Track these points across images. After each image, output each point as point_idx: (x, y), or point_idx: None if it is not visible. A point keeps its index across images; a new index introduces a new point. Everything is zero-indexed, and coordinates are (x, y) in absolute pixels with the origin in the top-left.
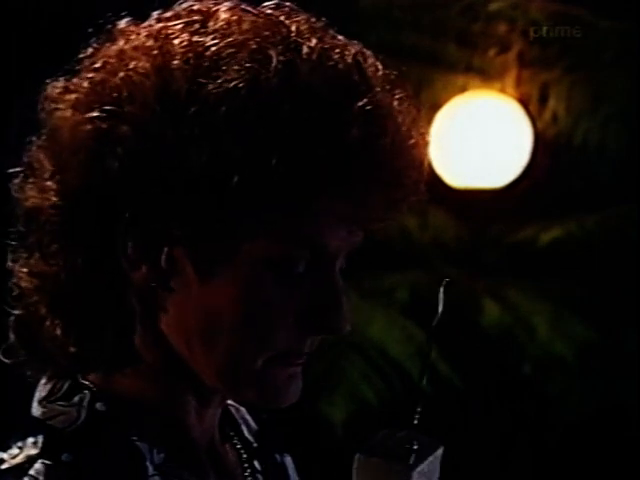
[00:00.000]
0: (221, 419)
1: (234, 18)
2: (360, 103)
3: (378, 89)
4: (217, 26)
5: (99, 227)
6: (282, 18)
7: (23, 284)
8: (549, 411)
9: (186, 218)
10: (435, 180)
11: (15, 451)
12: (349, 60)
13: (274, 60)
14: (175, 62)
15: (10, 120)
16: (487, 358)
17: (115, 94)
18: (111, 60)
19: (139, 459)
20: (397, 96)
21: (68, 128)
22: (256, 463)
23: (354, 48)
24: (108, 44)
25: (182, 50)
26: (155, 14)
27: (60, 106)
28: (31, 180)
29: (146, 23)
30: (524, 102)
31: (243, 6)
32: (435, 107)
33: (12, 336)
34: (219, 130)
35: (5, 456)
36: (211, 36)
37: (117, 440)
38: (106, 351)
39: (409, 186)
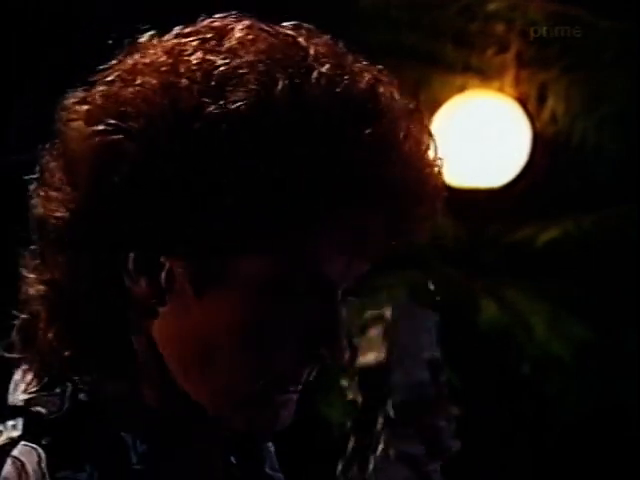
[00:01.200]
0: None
1: (249, 37)
2: (368, 129)
3: (390, 116)
4: (230, 45)
5: (101, 240)
6: (300, 40)
7: (30, 290)
8: (547, 411)
9: (185, 234)
10: None
11: None
12: (362, 86)
13: (280, 84)
14: (183, 80)
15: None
16: (485, 358)
17: (123, 108)
18: (123, 74)
19: (123, 448)
20: (412, 125)
21: (77, 140)
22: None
23: (371, 73)
24: (125, 57)
25: (192, 68)
26: (176, 29)
27: (73, 117)
28: (42, 189)
29: (165, 38)
30: (522, 102)
31: (261, 25)
32: (434, 107)
33: (15, 337)
34: (221, 149)
35: None
36: (222, 55)
37: (100, 428)
38: (99, 359)
39: (415, 220)
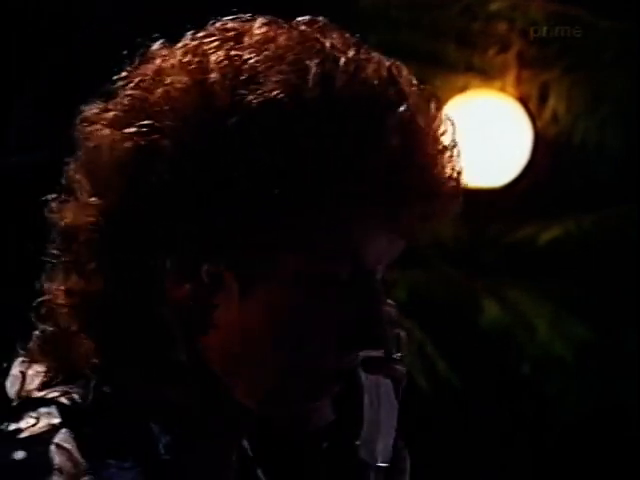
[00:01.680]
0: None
1: (270, 34)
2: (397, 114)
3: (412, 101)
4: (253, 41)
5: (139, 245)
6: (316, 34)
7: (58, 301)
8: (548, 411)
9: (228, 232)
10: None
11: (31, 420)
12: (384, 73)
13: (312, 70)
14: (213, 75)
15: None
16: (486, 358)
17: (155, 109)
18: (148, 78)
19: (152, 438)
20: (431, 108)
21: (107, 146)
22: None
23: (388, 62)
24: (143, 64)
25: (220, 64)
26: (189, 34)
27: (97, 126)
28: (69, 200)
29: (180, 43)
30: (524, 101)
31: (277, 22)
32: None
33: (35, 347)
34: (260, 141)
35: (22, 425)
36: (248, 50)
37: (129, 420)
38: (137, 368)
39: (446, 196)
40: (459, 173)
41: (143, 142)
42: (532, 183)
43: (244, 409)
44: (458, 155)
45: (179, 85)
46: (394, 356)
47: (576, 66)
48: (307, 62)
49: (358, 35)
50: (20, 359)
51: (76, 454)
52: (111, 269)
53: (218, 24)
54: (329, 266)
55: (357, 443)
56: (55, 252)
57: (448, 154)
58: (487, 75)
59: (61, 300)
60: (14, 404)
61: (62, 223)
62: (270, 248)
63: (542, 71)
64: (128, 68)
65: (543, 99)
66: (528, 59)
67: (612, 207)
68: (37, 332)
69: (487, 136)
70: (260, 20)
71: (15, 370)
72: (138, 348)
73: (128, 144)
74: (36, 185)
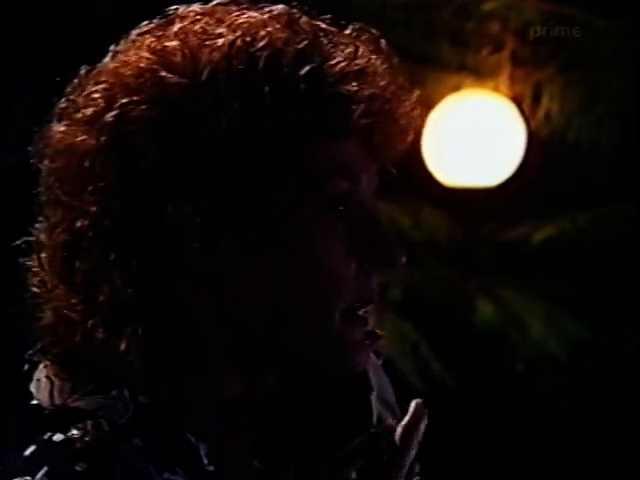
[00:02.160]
0: None
1: (201, 10)
2: (345, 38)
3: (348, 34)
4: (186, 19)
5: (152, 225)
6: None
7: (74, 315)
8: (542, 410)
9: (235, 182)
10: (428, 179)
11: (79, 432)
12: (313, 17)
13: (257, 17)
14: (170, 43)
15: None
16: (480, 357)
17: (126, 89)
18: (109, 74)
19: (194, 449)
20: (363, 42)
21: (85, 148)
22: None
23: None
24: (89, 77)
25: (169, 36)
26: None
27: (64, 138)
28: (56, 216)
29: (111, 52)
30: (517, 101)
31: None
32: (428, 106)
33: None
34: (238, 80)
35: (75, 433)
36: (186, 22)
37: (171, 431)
38: (175, 360)
39: (402, 114)
40: (412, 92)
41: (120, 126)
42: (526, 183)
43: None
44: (408, 86)
45: (141, 63)
46: (376, 331)
47: (570, 65)
48: (247, 16)
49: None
50: (44, 363)
51: (137, 467)
52: (126, 260)
53: (148, 23)
54: (334, 188)
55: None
56: (53, 281)
57: (405, 84)
58: (480, 75)
59: (78, 313)
60: (48, 412)
61: (58, 243)
62: (282, 186)
63: (535, 70)
64: (67, 91)
65: (537, 98)
66: (521, 59)
67: (606, 206)
68: (54, 355)
69: (481, 136)
70: (187, 5)
71: (40, 374)
72: (174, 337)
73: (104, 137)
74: (36, 185)
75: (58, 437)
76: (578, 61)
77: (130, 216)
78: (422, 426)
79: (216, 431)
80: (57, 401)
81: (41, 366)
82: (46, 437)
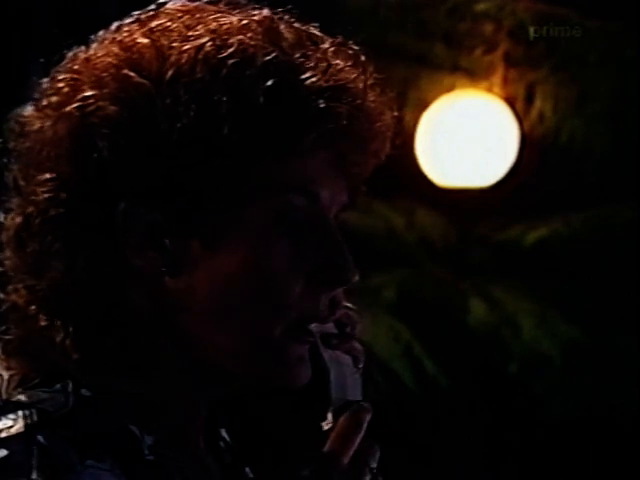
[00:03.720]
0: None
1: (184, 8)
2: (322, 53)
3: (326, 48)
4: (167, 15)
5: (98, 218)
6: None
7: (19, 301)
8: (535, 410)
9: (186, 187)
10: (422, 179)
11: (9, 422)
12: (297, 25)
13: (234, 22)
14: (141, 41)
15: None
16: (473, 357)
17: (89, 82)
18: (78, 65)
19: (134, 440)
20: (344, 56)
21: (43, 135)
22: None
23: (294, 21)
24: (65, 64)
25: (144, 33)
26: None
27: (32, 123)
28: (15, 202)
29: (92, 40)
30: (511, 101)
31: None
32: (422, 107)
33: (5, 354)
34: (200, 86)
35: (4, 423)
36: (164, 19)
37: (110, 423)
38: (112, 353)
39: (378, 132)
40: (390, 116)
41: (78, 118)
42: (519, 183)
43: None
44: (388, 100)
45: (109, 57)
46: (349, 331)
47: (563, 66)
48: (225, 19)
49: (345, 35)
50: None
51: (56, 454)
52: (75, 251)
53: (129, 17)
54: (287, 203)
55: (323, 424)
56: (9, 260)
57: (377, 98)
58: (474, 75)
59: (21, 298)
60: None
61: (12, 225)
62: (233, 195)
63: (528, 71)
64: (50, 75)
65: (530, 99)
66: (514, 59)
67: (599, 207)
68: (5, 343)
69: (474, 136)
70: (171, 1)
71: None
72: (110, 330)
73: (63, 124)
74: None
75: None
76: (571, 62)
77: (76, 209)
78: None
79: (167, 426)
80: (4, 395)
81: None
82: None
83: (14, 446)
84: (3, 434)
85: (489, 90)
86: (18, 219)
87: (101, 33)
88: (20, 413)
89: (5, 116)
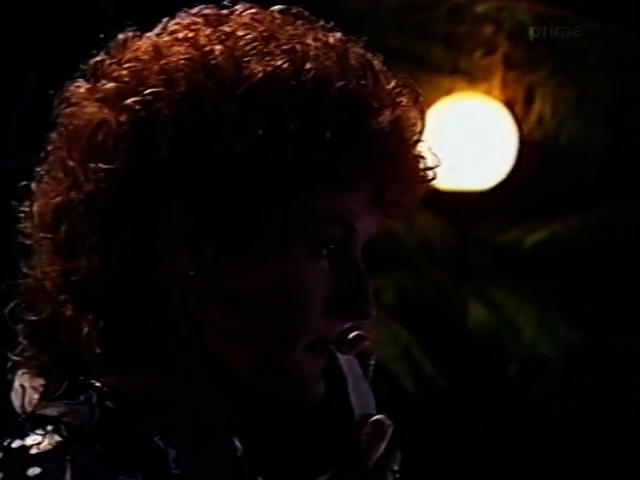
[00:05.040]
0: None
1: (257, 16)
2: (388, 91)
3: (389, 86)
4: (241, 21)
5: (143, 215)
6: (295, 18)
7: (48, 285)
8: (535, 412)
9: (234, 201)
10: None
11: (38, 438)
12: (362, 54)
13: (311, 44)
14: (216, 46)
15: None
16: (473, 360)
17: (155, 80)
18: (143, 53)
19: (160, 454)
20: (403, 94)
21: (99, 122)
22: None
23: (357, 48)
24: (128, 47)
25: (219, 39)
26: (165, 20)
27: (85, 104)
28: (57, 178)
29: (158, 29)
30: (510, 104)
31: (257, 8)
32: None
33: (24, 340)
34: (265, 111)
35: (27, 442)
36: (240, 28)
37: (136, 436)
38: (136, 351)
39: (424, 177)
40: (424, 156)
41: (143, 113)
42: (518, 186)
43: (243, 388)
44: (427, 148)
45: (181, 56)
46: (362, 333)
47: (562, 68)
48: (301, 38)
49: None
50: (21, 370)
51: (90, 471)
52: (109, 243)
53: (194, 10)
54: (325, 233)
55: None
56: (40, 235)
57: (421, 145)
58: (473, 77)
59: (50, 282)
60: (18, 420)
61: (51, 202)
62: (280, 217)
63: (528, 73)
64: (109, 51)
65: (529, 101)
66: (514, 61)
67: (599, 209)
68: (27, 323)
69: (473, 139)
70: (242, 5)
71: (16, 383)
72: (138, 327)
73: (124, 117)
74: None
75: (16, 444)
76: (570, 63)
77: (123, 205)
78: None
79: (189, 438)
80: (27, 408)
81: (19, 372)
82: (5, 444)
83: (47, 464)
84: (34, 450)
85: (488, 92)
86: (59, 198)
87: (166, 22)
88: (49, 428)
89: (5, 116)
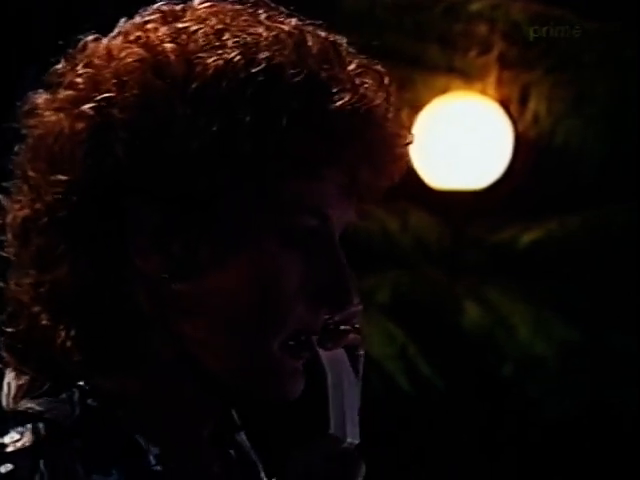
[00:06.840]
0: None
1: (211, 9)
2: (348, 74)
3: (351, 67)
4: (195, 15)
5: (107, 221)
6: (251, 7)
7: (23, 297)
8: (530, 411)
9: (198, 198)
10: (416, 181)
11: (16, 435)
12: (325, 38)
13: (263, 34)
14: (167, 45)
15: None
16: (468, 359)
17: (108, 84)
18: (97, 57)
19: (140, 451)
20: (368, 74)
21: (59, 130)
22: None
23: (321, 32)
24: (82, 51)
25: (171, 36)
26: (122, 20)
27: (46, 113)
28: (23, 191)
29: (117, 29)
30: (505, 103)
31: (213, 1)
32: (416, 108)
33: (4, 354)
34: (220, 105)
35: (6, 440)
36: (193, 23)
37: (117, 433)
38: (114, 355)
39: (396, 157)
40: (402, 137)
41: (97, 119)
42: (514, 185)
43: (221, 387)
44: (399, 118)
45: (132, 57)
46: (345, 327)
47: (558, 67)
48: (254, 29)
49: (341, 36)
50: (9, 369)
51: (61, 469)
52: (78, 250)
53: (151, 8)
54: (298, 224)
55: (330, 432)
56: (12, 249)
57: (393, 116)
58: (468, 77)
59: (25, 295)
60: (0, 417)
61: (19, 215)
62: (246, 210)
63: (523, 72)
64: (65, 58)
65: (524, 101)
66: (509, 60)
67: (594, 208)
68: (7, 335)
69: (468, 138)
70: (196, 1)
71: (8, 376)
72: (113, 332)
73: (80, 125)
74: None
75: None
76: (567, 63)
77: (86, 212)
78: None
79: (172, 436)
80: (10, 407)
81: (7, 371)
82: None
83: (20, 461)
84: (10, 448)
85: (483, 92)
86: (26, 211)
87: (122, 23)
88: (28, 426)
89: (4, 116)
